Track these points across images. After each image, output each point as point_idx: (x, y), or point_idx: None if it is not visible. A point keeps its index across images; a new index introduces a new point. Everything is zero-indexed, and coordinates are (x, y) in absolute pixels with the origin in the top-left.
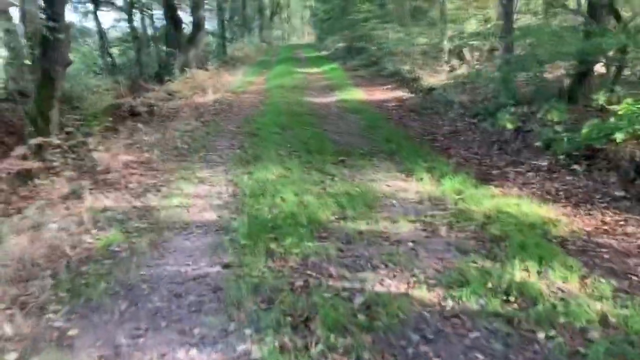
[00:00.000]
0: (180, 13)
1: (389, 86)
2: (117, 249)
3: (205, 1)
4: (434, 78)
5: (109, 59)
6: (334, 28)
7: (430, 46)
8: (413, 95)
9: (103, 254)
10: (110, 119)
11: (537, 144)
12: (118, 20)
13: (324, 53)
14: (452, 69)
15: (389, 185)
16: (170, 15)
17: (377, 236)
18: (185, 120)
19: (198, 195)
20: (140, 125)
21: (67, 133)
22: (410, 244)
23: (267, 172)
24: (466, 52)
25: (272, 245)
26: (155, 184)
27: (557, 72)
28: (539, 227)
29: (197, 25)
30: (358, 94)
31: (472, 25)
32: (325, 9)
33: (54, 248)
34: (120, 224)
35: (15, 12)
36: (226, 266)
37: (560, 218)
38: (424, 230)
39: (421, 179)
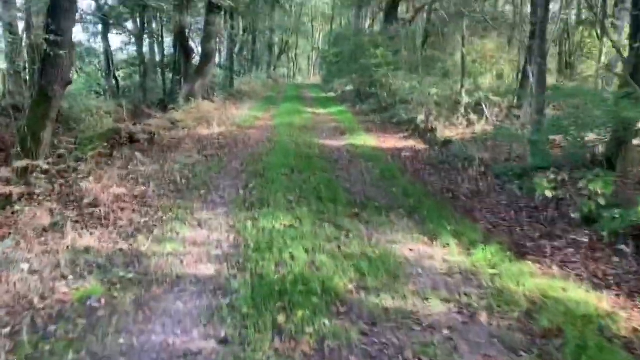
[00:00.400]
0: (191, 43)
1: (402, 135)
2: (95, 304)
3: (217, 32)
4: (451, 131)
5: (113, 81)
6: (342, 71)
7: (443, 97)
8: (428, 147)
9: (78, 310)
10: (107, 144)
11: (575, 215)
12: (127, 43)
13: (330, 95)
14: (470, 123)
15: (411, 250)
16: (181, 44)
17: (407, 317)
18: (187, 153)
19: (195, 242)
20: (138, 153)
21: (59, 156)
22: (447, 332)
23: (273, 220)
24: (485, 107)
25: (280, 318)
26: (148, 223)
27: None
28: (594, 320)
29: (207, 55)
30: (369, 140)
31: (486, 80)
32: (334, 52)
33: (20, 296)
34: (103, 272)
35: (21, 24)
36: (223, 341)
37: (617, 311)
38: (461, 313)
39: (447, 245)
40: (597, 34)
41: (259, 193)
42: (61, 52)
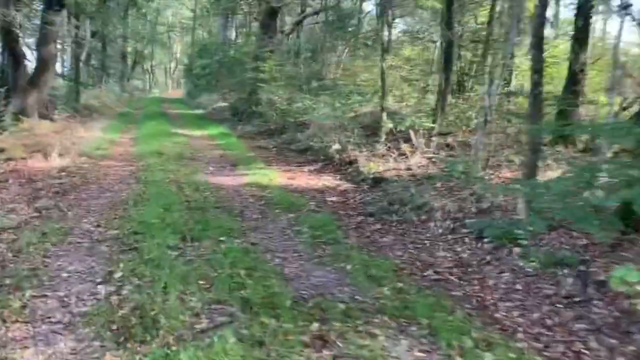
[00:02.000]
0: (25, 47)
1: (311, 167)
2: None
3: (58, 34)
4: (377, 164)
5: None
6: (211, 85)
7: (336, 119)
8: (354, 185)
9: None
10: None
11: None
12: None
13: (199, 112)
14: (399, 155)
15: None
16: (7, 46)
17: None
18: (9, 204)
19: None
20: None
21: None
22: None
23: None
24: (413, 135)
25: None
26: None
27: None
28: None
29: (44, 62)
30: (274, 176)
31: (409, 98)
32: (202, 63)
33: None
34: None
35: None
36: None
37: None
38: None
39: None
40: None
41: (135, 294)
42: None
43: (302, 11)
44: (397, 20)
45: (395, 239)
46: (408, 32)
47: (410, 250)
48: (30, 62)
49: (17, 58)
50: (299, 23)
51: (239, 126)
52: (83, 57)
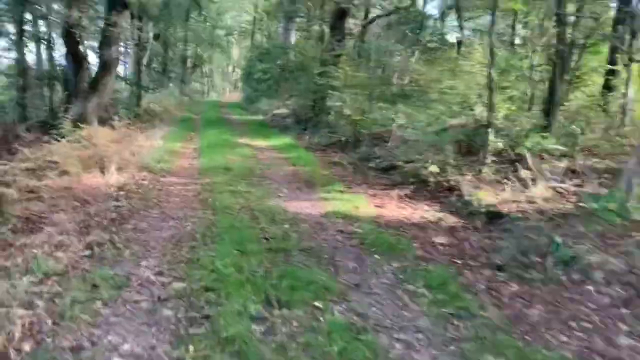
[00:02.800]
0: (88, 49)
1: (400, 191)
2: None
3: (120, 36)
4: (487, 193)
5: None
6: (272, 90)
7: (426, 134)
8: (462, 221)
9: None
10: None
11: None
12: (8, 50)
13: (259, 117)
14: (521, 182)
15: None
16: (70, 49)
17: None
18: (57, 237)
19: None
20: None
21: None
22: None
23: None
24: (528, 158)
25: None
26: None
27: None
28: None
29: (105, 65)
30: (359, 202)
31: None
32: (263, 68)
33: None
34: None
35: None
36: None
37: None
38: None
39: None
40: None
41: None
42: None
43: (367, 13)
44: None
45: (547, 311)
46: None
47: (577, 333)
48: (93, 65)
49: (79, 61)
50: (368, 25)
51: (304, 136)
52: (145, 60)
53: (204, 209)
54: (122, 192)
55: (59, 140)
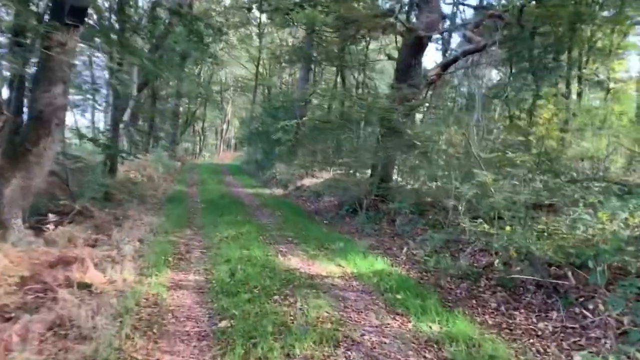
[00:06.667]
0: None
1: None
2: None
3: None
4: None
5: None
6: (292, 154)
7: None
8: None
9: None
10: None
11: None
12: None
13: (278, 192)
14: None
15: None
16: None
17: None
18: None
19: None
20: None
21: None
22: None
23: None
24: None
25: None
26: None
27: None
28: None
29: (39, 118)
30: None
31: None
32: (284, 125)
33: None
34: None
35: None
36: None
37: None
38: None
39: None
40: None
41: None
42: None
43: (446, 50)
44: None
45: None
46: None
47: None
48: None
49: None
50: (447, 67)
51: (385, 239)
52: (126, 115)
53: None
54: None
55: None
